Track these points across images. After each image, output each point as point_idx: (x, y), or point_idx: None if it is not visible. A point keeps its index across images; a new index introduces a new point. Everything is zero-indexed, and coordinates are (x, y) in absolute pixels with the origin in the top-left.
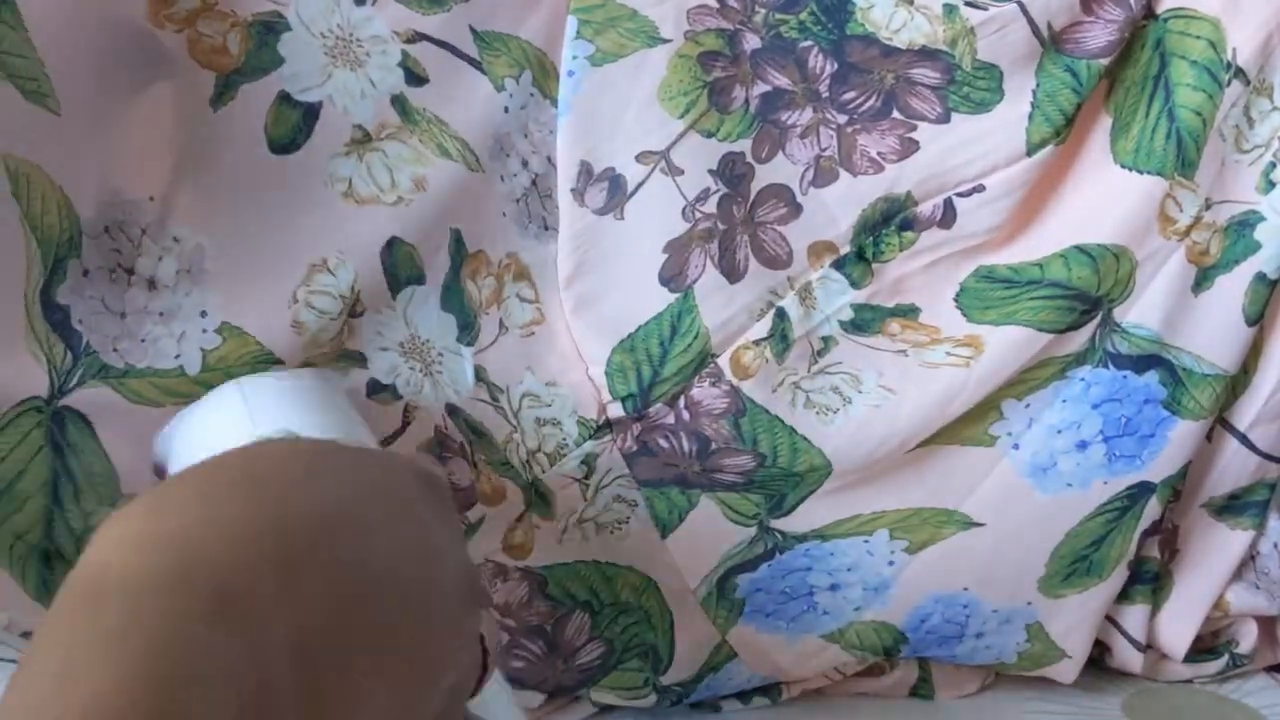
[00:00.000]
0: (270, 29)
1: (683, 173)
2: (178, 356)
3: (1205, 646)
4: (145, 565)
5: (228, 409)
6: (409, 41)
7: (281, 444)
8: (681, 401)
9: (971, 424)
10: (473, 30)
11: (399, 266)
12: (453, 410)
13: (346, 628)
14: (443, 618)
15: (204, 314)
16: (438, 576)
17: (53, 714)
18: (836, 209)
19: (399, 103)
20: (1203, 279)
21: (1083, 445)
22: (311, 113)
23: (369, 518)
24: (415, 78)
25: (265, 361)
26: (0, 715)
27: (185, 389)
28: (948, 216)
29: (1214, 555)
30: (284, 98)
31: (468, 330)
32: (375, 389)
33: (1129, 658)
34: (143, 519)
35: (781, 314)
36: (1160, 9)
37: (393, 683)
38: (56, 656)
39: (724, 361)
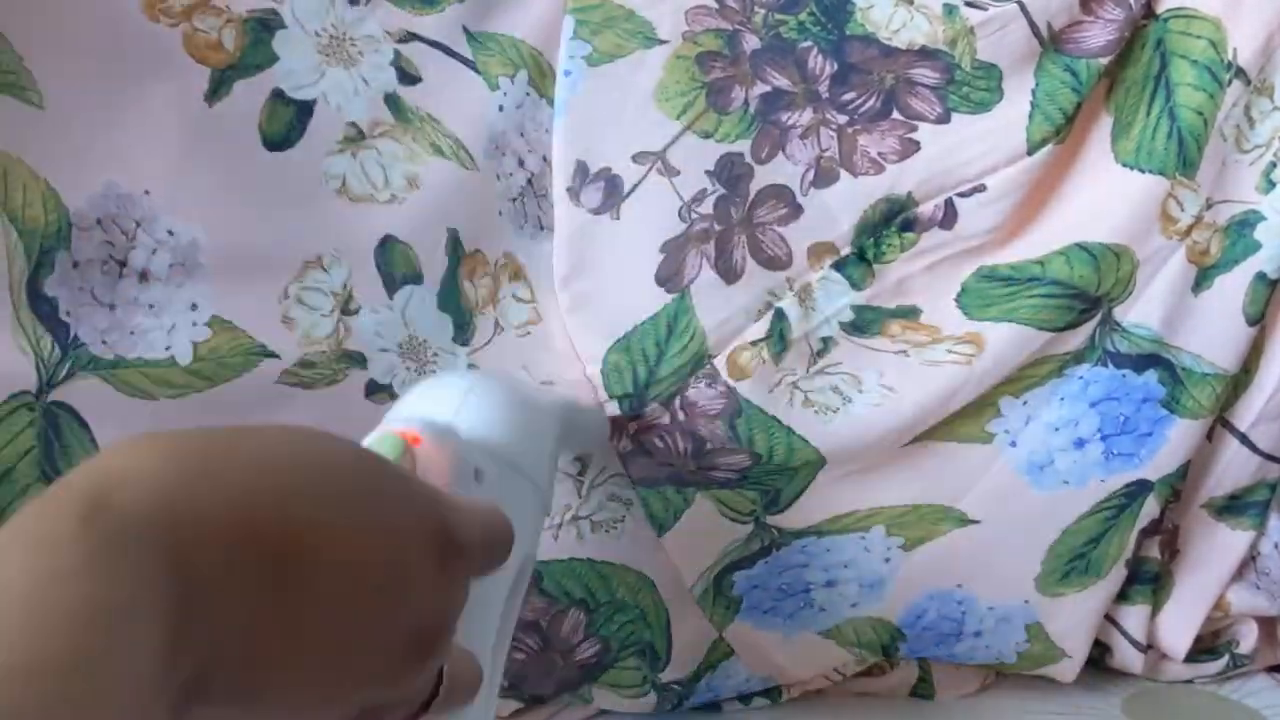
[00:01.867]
0: (265, 26)
1: (679, 173)
2: (168, 348)
3: (1206, 647)
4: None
5: (446, 392)
6: (401, 41)
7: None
8: (677, 402)
9: (969, 421)
10: (466, 30)
11: (394, 265)
12: None
13: (286, 608)
14: (376, 645)
15: (194, 307)
16: (395, 612)
17: None
18: (837, 210)
19: (392, 101)
20: (1203, 279)
21: (1080, 443)
22: (305, 110)
23: (362, 524)
24: (408, 77)
25: (257, 354)
26: None
27: (178, 379)
28: (949, 217)
29: (1214, 555)
30: (278, 95)
31: (463, 330)
32: (373, 389)
33: (1129, 658)
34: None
35: (780, 315)
36: (1161, 9)
37: (298, 674)
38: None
39: (720, 362)
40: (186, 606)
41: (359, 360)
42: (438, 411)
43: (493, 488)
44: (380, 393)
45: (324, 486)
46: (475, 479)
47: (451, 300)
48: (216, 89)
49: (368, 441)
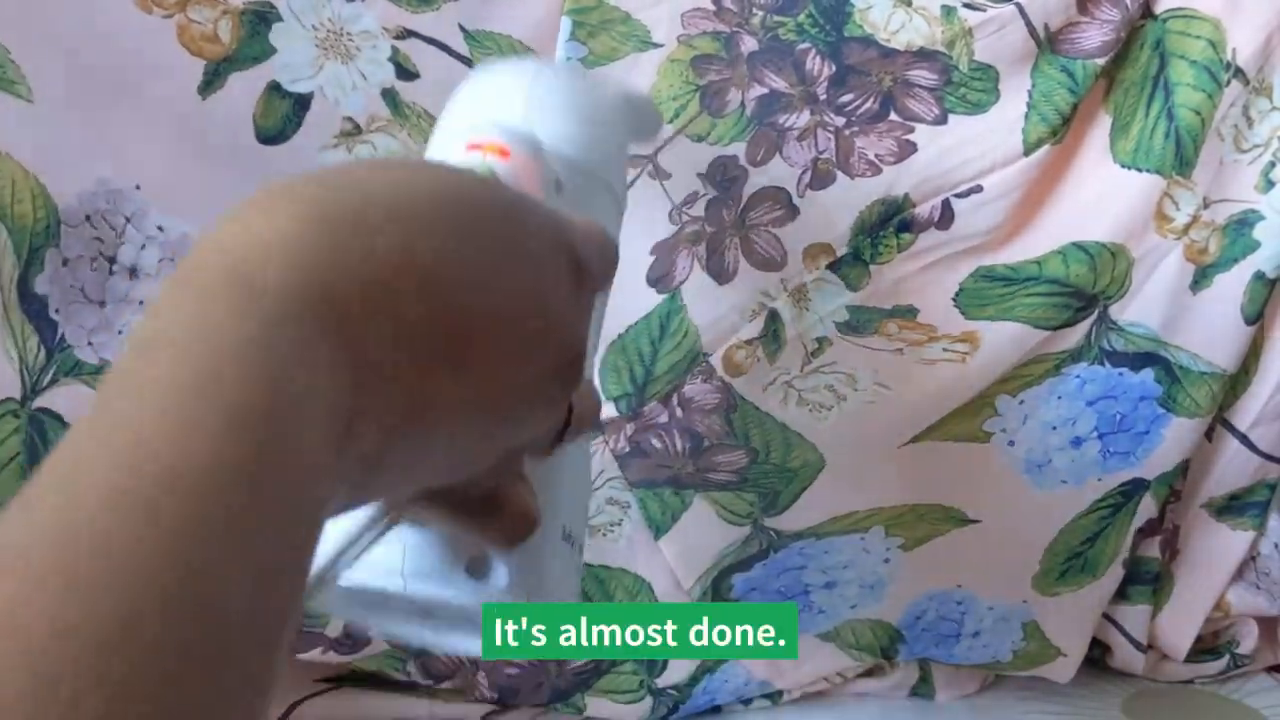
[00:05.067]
0: (262, 18)
1: (670, 176)
2: None
3: (1206, 647)
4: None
5: (509, 88)
6: (398, 38)
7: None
8: (675, 399)
9: (966, 420)
10: (463, 29)
11: None
12: None
13: (441, 339)
14: (532, 378)
15: None
16: (545, 345)
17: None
18: (834, 211)
19: (389, 96)
20: (1201, 277)
21: (1077, 442)
22: (302, 103)
23: (507, 269)
24: (405, 72)
25: None
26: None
27: None
28: (945, 217)
29: (1215, 556)
30: (274, 88)
31: None
32: None
33: (1130, 658)
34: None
35: (774, 315)
36: (1159, 9)
37: (464, 415)
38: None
39: (715, 360)
40: (359, 385)
41: None
42: (507, 114)
43: (573, 198)
44: None
45: (474, 233)
46: (556, 190)
47: None
48: (210, 82)
49: (458, 163)
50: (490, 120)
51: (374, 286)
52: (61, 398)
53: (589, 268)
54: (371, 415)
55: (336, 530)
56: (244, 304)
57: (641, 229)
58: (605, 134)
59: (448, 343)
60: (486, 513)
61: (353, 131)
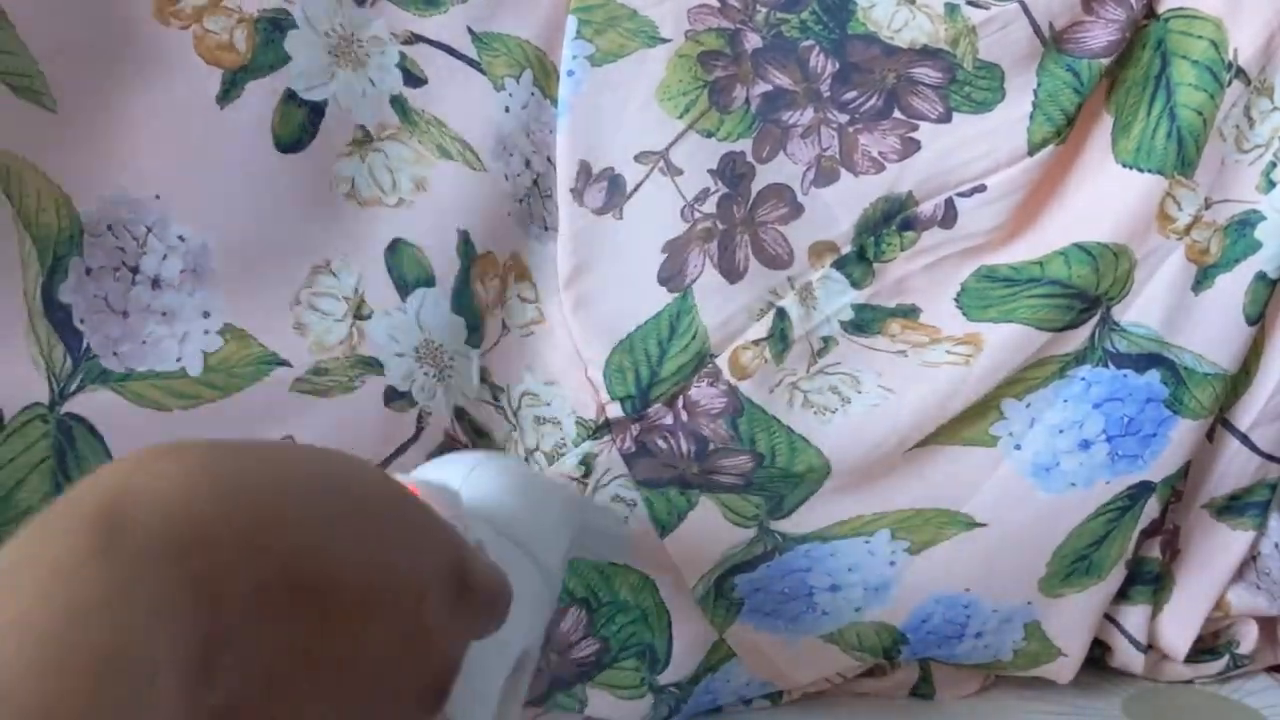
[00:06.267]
0: (277, 26)
1: (682, 173)
2: (179, 360)
3: (1206, 647)
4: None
5: (454, 464)
6: (406, 43)
7: (329, 452)
8: (680, 402)
9: (972, 424)
10: (470, 31)
11: (405, 268)
12: (460, 413)
13: (306, 621)
14: (400, 690)
15: (207, 314)
16: (414, 649)
17: None
18: (838, 209)
19: (398, 104)
20: (1203, 278)
21: (1085, 445)
22: (317, 111)
23: (379, 536)
24: (414, 79)
25: (269, 363)
26: None
27: (190, 390)
28: (949, 216)
29: (1215, 556)
30: (290, 96)
31: (475, 332)
32: (393, 397)
33: (1130, 658)
34: (141, 466)
35: (781, 314)
36: (1161, 9)
37: (314, 700)
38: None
39: (722, 361)
40: (213, 643)
41: (375, 366)
42: (444, 479)
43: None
44: (399, 400)
45: (351, 513)
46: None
47: (465, 302)
48: (228, 91)
49: None
50: (421, 477)
51: (233, 544)
52: (90, 404)
53: (475, 599)
54: (224, 673)
55: None
56: (109, 551)
57: (653, 226)
58: (540, 519)
59: (306, 609)
60: None
61: (364, 140)
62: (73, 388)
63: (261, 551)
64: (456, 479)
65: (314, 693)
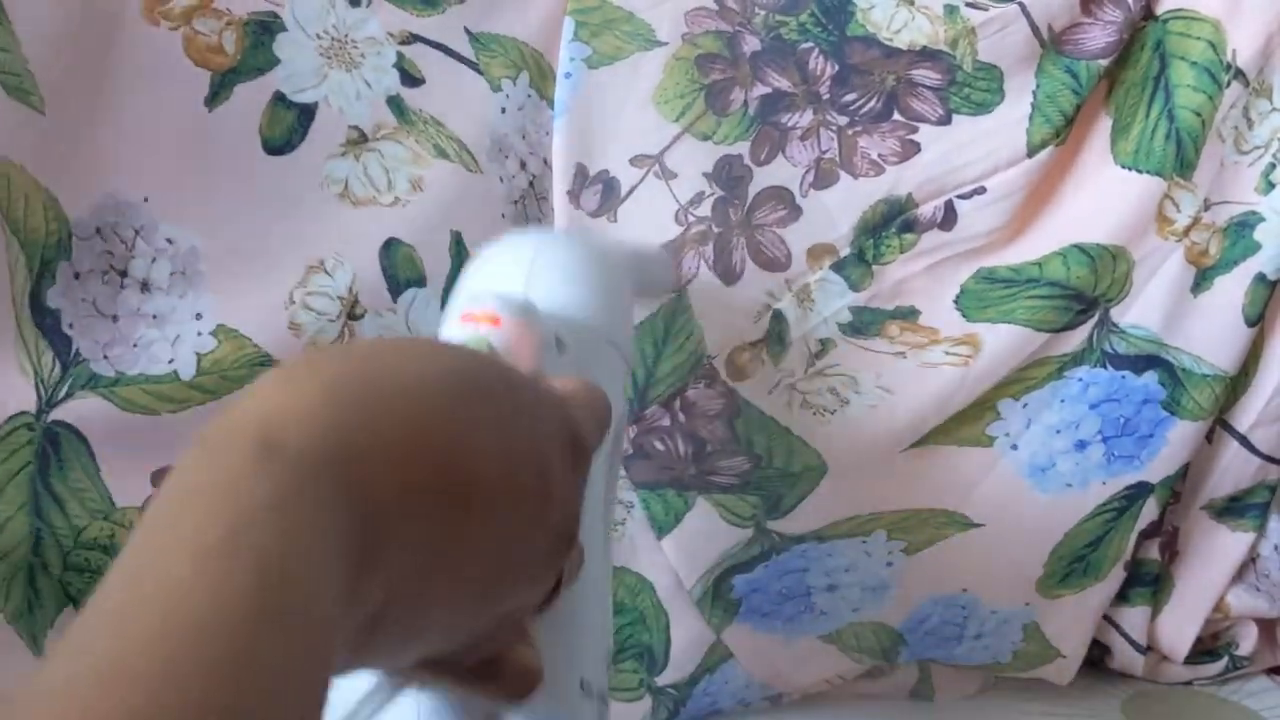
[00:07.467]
0: (266, 29)
1: (676, 176)
2: (171, 361)
3: (1205, 648)
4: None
5: (511, 261)
6: (404, 43)
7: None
8: (677, 403)
9: (969, 424)
10: (468, 32)
11: (398, 268)
12: None
13: (443, 526)
14: (529, 548)
15: (199, 316)
16: (542, 518)
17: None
18: (837, 211)
19: (395, 104)
20: (1202, 279)
21: (1082, 445)
22: (307, 114)
23: (502, 442)
24: (411, 79)
25: (263, 364)
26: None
27: (180, 394)
28: (948, 218)
29: (1214, 557)
30: (279, 98)
31: None
32: None
33: (1129, 659)
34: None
35: (779, 316)
36: (1160, 10)
37: (464, 579)
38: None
39: (719, 362)
40: (368, 543)
41: None
42: (507, 284)
43: (575, 356)
44: None
45: (480, 406)
46: (557, 349)
47: None
48: (217, 93)
49: (454, 334)
50: (486, 290)
51: (383, 451)
52: (78, 410)
53: (585, 443)
54: (377, 576)
55: (345, 693)
56: (267, 466)
57: (647, 229)
58: (606, 296)
59: (450, 507)
60: (487, 674)
61: (359, 140)
62: (61, 394)
63: (408, 455)
64: (519, 280)
65: (455, 582)
